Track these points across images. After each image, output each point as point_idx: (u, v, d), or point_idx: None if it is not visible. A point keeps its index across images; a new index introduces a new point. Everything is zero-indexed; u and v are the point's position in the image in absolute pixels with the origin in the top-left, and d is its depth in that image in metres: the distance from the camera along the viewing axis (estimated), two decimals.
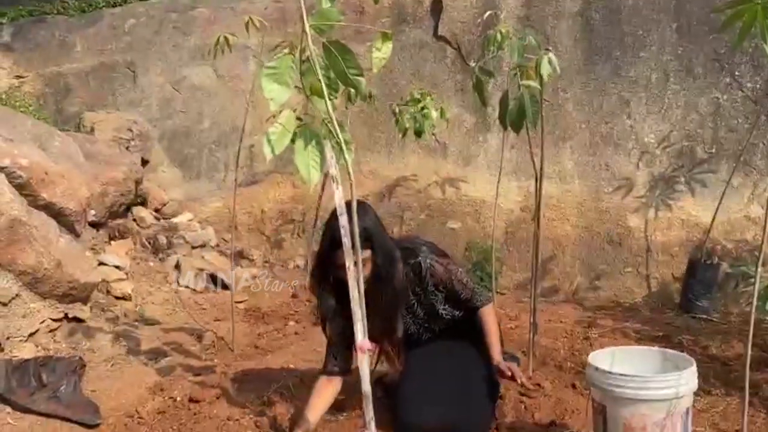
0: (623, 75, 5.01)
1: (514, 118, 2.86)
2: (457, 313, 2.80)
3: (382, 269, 2.52)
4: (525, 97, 2.77)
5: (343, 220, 2.08)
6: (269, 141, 1.88)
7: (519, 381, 2.58)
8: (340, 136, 1.91)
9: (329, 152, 1.96)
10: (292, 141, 1.93)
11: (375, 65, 1.94)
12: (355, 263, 2.09)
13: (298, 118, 1.97)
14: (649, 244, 4.86)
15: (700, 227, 4.69)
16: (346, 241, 2.09)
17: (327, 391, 2.63)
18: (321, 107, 1.90)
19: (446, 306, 2.77)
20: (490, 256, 4.52)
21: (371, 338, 2.57)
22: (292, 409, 2.80)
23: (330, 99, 1.86)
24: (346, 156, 1.97)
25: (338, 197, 2.02)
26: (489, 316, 2.76)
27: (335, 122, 1.89)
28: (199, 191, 5.75)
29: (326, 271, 2.55)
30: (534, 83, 2.79)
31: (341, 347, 2.65)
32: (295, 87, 1.94)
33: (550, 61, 2.80)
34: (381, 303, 2.54)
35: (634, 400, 2.23)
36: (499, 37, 2.87)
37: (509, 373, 2.59)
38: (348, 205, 2.24)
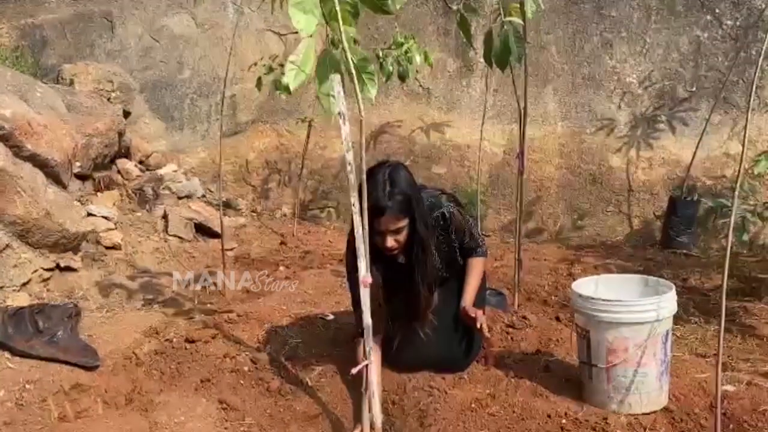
0: (605, 14, 5.01)
1: (499, 56, 2.87)
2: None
3: (420, 235, 2.53)
4: (510, 33, 2.78)
5: (349, 156, 2.09)
6: (289, 74, 1.86)
7: (478, 326, 2.54)
8: (353, 62, 1.89)
9: (339, 87, 1.96)
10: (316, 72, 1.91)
11: (398, 2, 1.93)
12: (360, 199, 2.10)
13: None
14: (631, 183, 4.95)
15: (681, 165, 4.78)
16: (352, 177, 2.11)
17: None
18: (341, 35, 1.87)
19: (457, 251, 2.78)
20: (476, 199, 4.59)
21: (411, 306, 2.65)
22: (286, 346, 2.88)
23: (351, 26, 1.84)
24: (370, 89, 1.96)
25: (345, 133, 2.03)
26: (478, 265, 2.78)
27: (349, 51, 1.87)
28: (183, 142, 5.72)
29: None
30: (517, 19, 2.80)
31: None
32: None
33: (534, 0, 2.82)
34: (423, 270, 2.58)
35: (616, 323, 2.32)
36: None
37: (473, 315, 2.58)
38: (376, 173, 2.42)
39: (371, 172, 2.45)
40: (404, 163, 2.66)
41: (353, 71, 1.95)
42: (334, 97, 1.94)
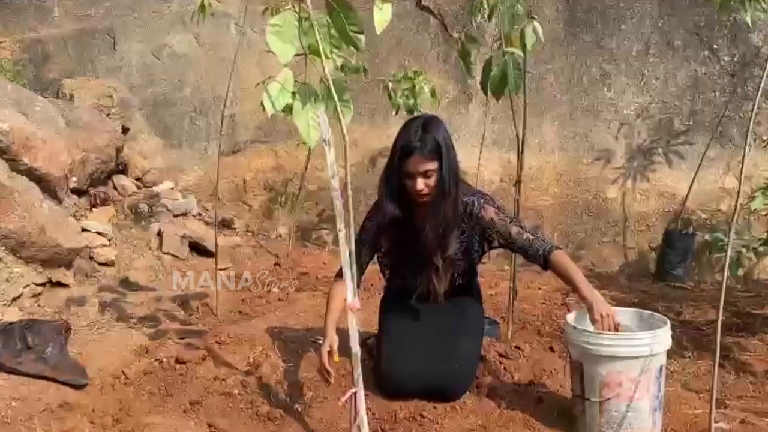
0: (604, 46, 5.06)
1: (496, 85, 2.89)
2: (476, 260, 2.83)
3: (447, 183, 2.57)
4: (509, 63, 2.80)
5: (334, 183, 2.10)
6: (269, 97, 1.88)
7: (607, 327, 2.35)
8: (336, 95, 1.92)
9: (323, 116, 1.98)
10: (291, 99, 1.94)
11: (378, 26, 1.95)
12: (346, 226, 2.11)
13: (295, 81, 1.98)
14: (627, 215, 4.96)
15: (677, 198, 4.80)
16: (337, 204, 2.12)
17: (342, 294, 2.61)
18: (320, 68, 1.91)
19: (478, 250, 2.77)
20: None
21: (420, 251, 2.67)
22: (277, 370, 2.86)
23: (328, 58, 1.87)
24: (343, 118, 1.98)
25: (330, 160, 2.04)
26: (563, 258, 2.58)
27: (332, 82, 1.90)
28: (180, 160, 5.72)
29: (394, 176, 2.60)
30: (517, 50, 2.82)
31: (368, 251, 2.74)
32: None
33: (534, 30, 2.84)
34: (442, 215, 2.60)
35: (610, 357, 2.31)
36: (486, 4, 2.87)
37: (605, 314, 2.37)
38: (413, 120, 2.58)
39: (408, 122, 2.65)
40: None
41: (336, 100, 1.96)
42: (313, 125, 1.96)
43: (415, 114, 2.67)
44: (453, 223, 2.64)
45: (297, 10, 1.85)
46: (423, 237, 2.65)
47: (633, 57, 5.00)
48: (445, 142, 2.58)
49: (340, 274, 2.57)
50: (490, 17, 2.90)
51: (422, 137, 2.53)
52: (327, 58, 1.86)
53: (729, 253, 2.38)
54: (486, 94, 3.00)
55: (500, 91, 2.93)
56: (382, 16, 1.90)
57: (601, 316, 2.36)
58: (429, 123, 2.60)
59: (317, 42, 1.84)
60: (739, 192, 2.20)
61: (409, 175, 2.55)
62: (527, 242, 2.62)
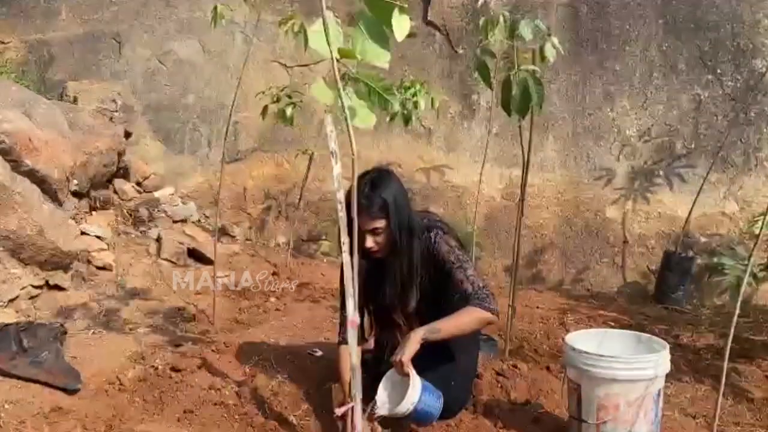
0: (608, 68, 5.08)
1: (519, 103, 2.80)
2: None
3: (399, 240, 2.55)
4: (529, 80, 2.76)
5: (339, 195, 2.09)
6: (321, 90, 1.89)
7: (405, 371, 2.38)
8: (344, 100, 1.92)
9: (330, 126, 1.97)
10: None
11: (399, 35, 1.95)
12: (350, 238, 2.09)
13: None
14: (626, 236, 4.95)
15: (677, 220, 4.79)
16: (342, 215, 2.11)
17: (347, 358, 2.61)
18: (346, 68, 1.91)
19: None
20: (471, 241, 4.58)
21: (384, 307, 2.66)
22: (272, 381, 2.84)
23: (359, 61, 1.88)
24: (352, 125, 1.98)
25: (336, 172, 2.03)
26: (473, 313, 2.47)
27: (341, 89, 1.89)
28: (182, 166, 5.72)
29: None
30: (534, 67, 2.80)
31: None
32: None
33: (554, 45, 2.83)
34: (397, 273, 2.59)
35: (608, 379, 2.30)
36: (502, 20, 2.85)
37: (398, 359, 2.40)
38: (364, 175, 2.47)
39: (359, 177, 2.47)
40: None
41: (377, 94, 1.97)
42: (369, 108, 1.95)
43: (370, 174, 2.57)
44: (410, 278, 2.62)
45: (331, 14, 1.86)
46: (382, 295, 2.64)
47: (636, 79, 5.02)
48: (395, 199, 2.53)
49: (342, 342, 2.61)
50: (511, 34, 2.85)
51: (368, 195, 2.49)
52: (358, 60, 1.87)
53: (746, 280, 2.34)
54: (509, 114, 2.88)
55: (525, 109, 2.83)
56: (400, 25, 1.90)
57: (400, 358, 2.37)
58: (378, 180, 2.54)
59: (348, 45, 1.85)
60: (765, 220, 2.19)
61: (360, 232, 2.44)
62: (463, 297, 2.52)
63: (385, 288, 2.64)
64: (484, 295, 2.50)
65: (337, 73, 1.90)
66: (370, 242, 2.54)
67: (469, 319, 2.48)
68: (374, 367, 2.67)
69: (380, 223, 2.52)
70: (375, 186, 2.53)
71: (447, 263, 2.58)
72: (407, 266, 2.60)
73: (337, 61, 1.89)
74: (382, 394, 2.49)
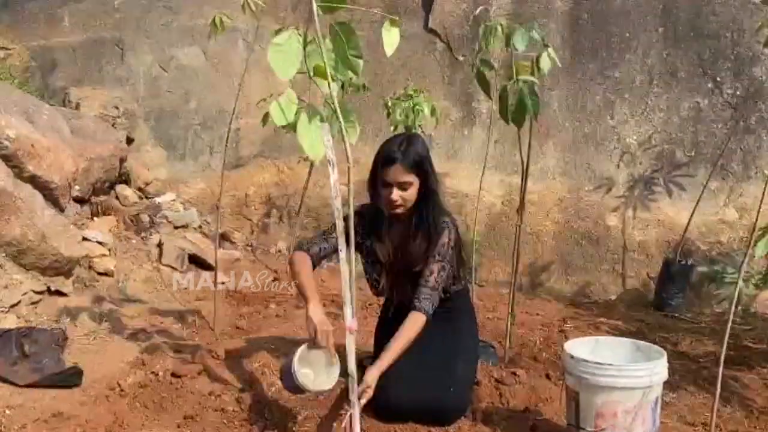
0: (608, 76, 5.10)
1: (515, 112, 2.88)
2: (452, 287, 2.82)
3: (426, 200, 2.62)
4: (524, 91, 2.81)
5: (336, 203, 2.11)
6: (280, 109, 1.91)
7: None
8: (341, 116, 1.94)
9: (327, 135, 1.99)
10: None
11: (388, 48, 1.97)
12: (347, 245, 2.11)
13: (300, 99, 2.00)
14: (626, 243, 4.96)
15: (676, 228, 4.80)
16: (339, 223, 2.12)
17: (308, 262, 2.68)
18: (324, 89, 1.93)
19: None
20: (471, 248, 4.59)
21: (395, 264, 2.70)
22: (273, 387, 2.85)
23: (334, 80, 1.89)
24: (349, 137, 2.00)
25: (333, 180, 2.05)
26: (411, 323, 2.56)
27: (338, 103, 1.91)
28: (183, 172, 5.75)
29: (376, 186, 2.65)
30: (531, 77, 2.83)
31: (333, 247, 2.67)
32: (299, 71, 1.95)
33: (549, 56, 2.86)
34: (411, 231, 2.66)
35: (606, 387, 2.31)
36: (499, 29, 2.89)
37: (364, 387, 2.36)
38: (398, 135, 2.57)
39: (394, 136, 2.70)
40: None
41: (341, 120, 1.99)
42: (318, 142, 1.97)
43: (404, 134, 2.71)
44: (421, 241, 2.67)
45: (301, 32, 1.88)
46: (389, 249, 2.73)
47: (637, 86, 5.04)
48: (428, 160, 2.64)
49: (301, 247, 2.70)
50: (507, 44, 2.90)
51: (405, 150, 2.58)
52: (333, 80, 1.88)
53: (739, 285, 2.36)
54: (507, 122, 2.97)
55: (521, 118, 2.92)
56: (390, 39, 1.92)
57: (364, 391, 2.34)
58: (414, 138, 2.65)
59: (323, 64, 1.86)
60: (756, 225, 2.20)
61: (386, 184, 2.59)
62: (423, 285, 2.61)
63: (397, 245, 2.70)
64: (435, 298, 2.61)
65: (333, 94, 1.92)
66: (396, 195, 2.58)
67: (413, 333, 2.55)
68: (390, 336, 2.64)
69: (410, 178, 2.58)
70: (411, 143, 2.61)
71: (434, 250, 2.65)
72: (424, 228, 2.65)
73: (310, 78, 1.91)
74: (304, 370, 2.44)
